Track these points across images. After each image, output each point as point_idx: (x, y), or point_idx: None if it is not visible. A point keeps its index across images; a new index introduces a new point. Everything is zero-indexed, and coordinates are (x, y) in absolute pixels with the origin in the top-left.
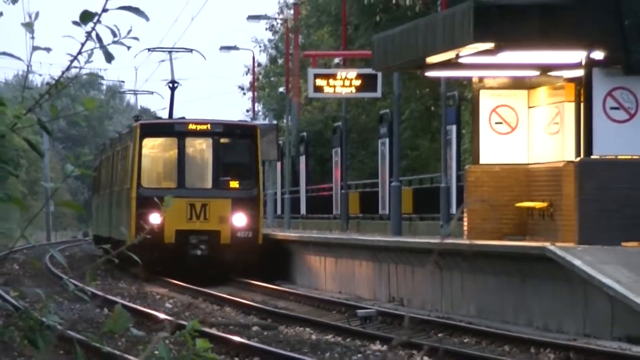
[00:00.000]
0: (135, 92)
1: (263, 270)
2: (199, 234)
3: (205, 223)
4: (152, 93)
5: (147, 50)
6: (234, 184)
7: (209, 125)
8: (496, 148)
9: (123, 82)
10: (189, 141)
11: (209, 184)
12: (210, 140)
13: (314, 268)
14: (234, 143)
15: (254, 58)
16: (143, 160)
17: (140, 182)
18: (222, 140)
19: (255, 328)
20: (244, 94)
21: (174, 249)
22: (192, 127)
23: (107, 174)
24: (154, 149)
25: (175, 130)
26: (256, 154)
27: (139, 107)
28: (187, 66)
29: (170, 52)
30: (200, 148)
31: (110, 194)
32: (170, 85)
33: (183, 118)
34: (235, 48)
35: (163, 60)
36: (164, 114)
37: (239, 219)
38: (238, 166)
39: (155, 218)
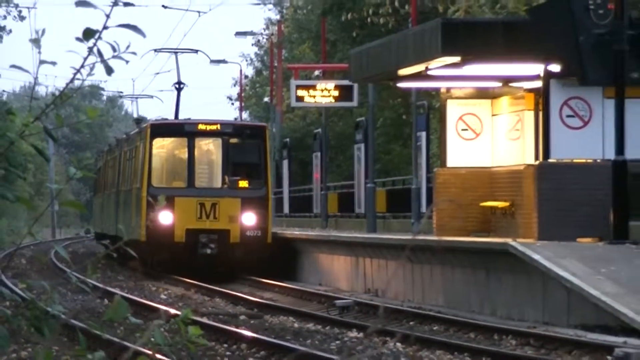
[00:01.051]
0: (136, 97)
1: (266, 266)
2: (209, 233)
3: (215, 222)
4: (152, 97)
5: (153, 51)
6: (244, 184)
7: (218, 126)
8: (462, 152)
9: (122, 92)
10: (198, 141)
11: (218, 183)
12: (219, 140)
13: (299, 263)
14: (244, 143)
15: (241, 71)
16: (153, 160)
17: (150, 181)
18: (232, 140)
19: (242, 317)
20: (232, 103)
21: (184, 247)
22: (202, 127)
23: (112, 175)
24: (164, 148)
25: (185, 130)
26: (265, 154)
27: (135, 115)
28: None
29: (176, 52)
30: (210, 148)
31: (117, 193)
32: (177, 86)
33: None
34: (224, 62)
35: (157, 72)
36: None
37: (249, 218)
38: (247, 166)
39: (165, 217)
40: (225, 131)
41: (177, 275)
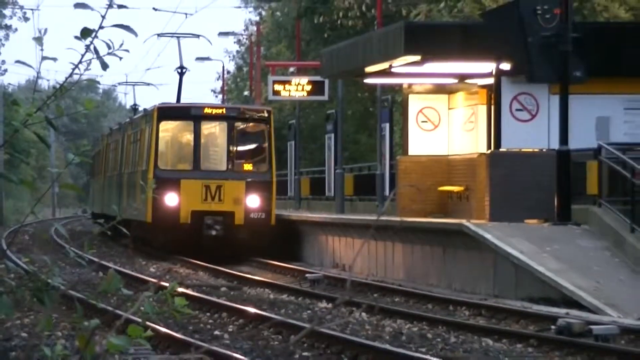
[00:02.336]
0: (133, 84)
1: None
2: (214, 215)
3: (220, 204)
4: (148, 84)
5: (156, 36)
6: (248, 167)
7: (224, 110)
8: (422, 142)
9: (116, 85)
10: (204, 124)
11: (223, 166)
12: (225, 124)
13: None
14: (249, 127)
15: (223, 67)
16: (160, 143)
17: (157, 163)
18: (237, 124)
19: (223, 289)
20: (216, 96)
21: (189, 229)
22: (207, 111)
23: (114, 157)
24: (170, 132)
25: (191, 114)
26: (270, 138)
27: (128, 107)
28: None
29: (178, 37)
30: (216, 131)
31: (119, 175)
32: (179, 70)
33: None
34: (208, 59)
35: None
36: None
37: (253, 201)
38: (252, 149)
39: (171, 199)
40: (230, 115)
41: (183, 256)
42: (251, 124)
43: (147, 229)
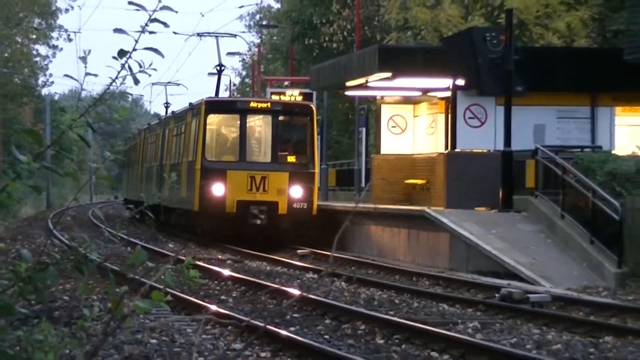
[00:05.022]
0: (165, 84)
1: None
2: (259, 205)
3: (265, 194)
4: (178, 84)
5: (197, 36)
6: (291, 159)
7: (269, 104)
8: (392, 144)
9: (142, 95)
10: (250, 118)
11: (268, 158)
12: (270, 118)
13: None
14: (292, 120)
15: (230, 80)
16: (207, 135)
17: (204, 155)
18: (281, 117)
19: (228, 262)
20: None
21: (234, 218)
22: (253, 105)
23: (153, 150)
24: (217, 124)
25: (237, 107)
26: (312, 132)
27: (152, 112)
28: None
29: (217, 37)
30: (261, 124)
31: (160, 166)
32: (218, 68)
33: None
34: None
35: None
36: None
37: (296, 191)
38: (295, 142)
39: (218, 189)
40: (275, 109)
41: (228, 244)
42: (294, 117)
43: (193, 217)
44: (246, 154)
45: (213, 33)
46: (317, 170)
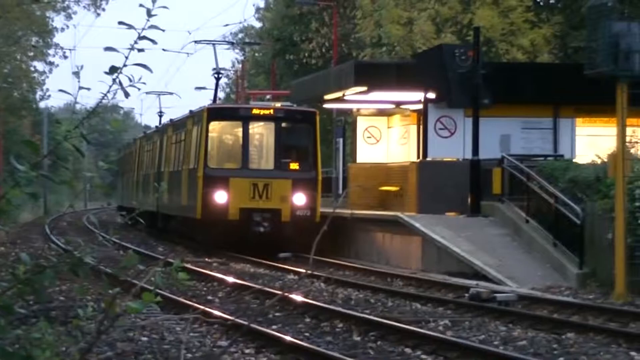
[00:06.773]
0: (158, 94)
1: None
2: (262, 212)
3: (268, 202)
4: (172, 94)
5: (193, 42)
6: (294, 165)
7: (272, 110)
8: (367, 153)
9: (133, 108)
10: (252, 125)
11: (271, 165)
12: (272, 124)
13: None
14: (295, 127)
15: (216, 94)
16: (209, 142)
17: (207, 162)
18: (284, 124)
19: (214, 264)
20: None
21: (237, 225)
22: (256, 111)
23: (150, 158)
24: (219, 131)
25: (240, 114)
26: (315, 138)
27: (143, 124)
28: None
29: (214, 44)
30: (263, 131)
31: (158, 174)
32: (216, 75)
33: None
34: (204, 88)
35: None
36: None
37: (299, 199)
38: (298, 149)
39: (220, 196)
40: (277, 115)
41: (231, 252)
42: (297, 123)
43: (195, 225)
44: (249, 161)
45: (211, 41)
46: (320, 177)
